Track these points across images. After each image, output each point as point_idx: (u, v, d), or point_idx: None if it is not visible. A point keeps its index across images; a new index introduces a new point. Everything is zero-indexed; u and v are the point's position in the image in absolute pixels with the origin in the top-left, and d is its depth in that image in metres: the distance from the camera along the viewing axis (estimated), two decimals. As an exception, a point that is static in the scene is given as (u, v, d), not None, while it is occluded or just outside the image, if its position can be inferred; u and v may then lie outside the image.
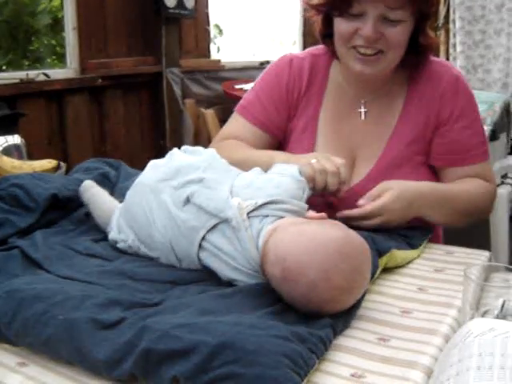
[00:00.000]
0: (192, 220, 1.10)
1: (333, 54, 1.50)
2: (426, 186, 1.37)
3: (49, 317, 0.89)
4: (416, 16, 1.37)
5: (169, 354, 0.78)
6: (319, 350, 0.84)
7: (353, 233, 0.99)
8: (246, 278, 1.05)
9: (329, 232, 0.98)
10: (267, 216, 1.06)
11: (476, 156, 1.45)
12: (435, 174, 1.49)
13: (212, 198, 1.10)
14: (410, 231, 1.31)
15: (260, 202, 1.07)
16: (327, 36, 1.47)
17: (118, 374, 0.81)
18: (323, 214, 1.07)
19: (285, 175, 1.16)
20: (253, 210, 1.06)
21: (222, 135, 1.60)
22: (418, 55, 1.45)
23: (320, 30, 1.49)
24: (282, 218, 1.06)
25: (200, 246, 1.08)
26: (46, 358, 0.89)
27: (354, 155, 1.48)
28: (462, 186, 1.42)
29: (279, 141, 1.58)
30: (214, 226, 1.08)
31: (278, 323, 0.86)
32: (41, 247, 1.17)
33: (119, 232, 1.22)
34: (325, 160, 1.25)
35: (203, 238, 1.08)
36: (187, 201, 1.12)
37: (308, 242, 0.95)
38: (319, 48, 1.57)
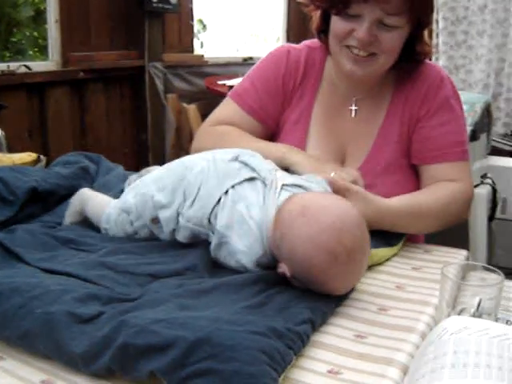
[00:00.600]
0: (232, 170, 1.16)
1: (327, 50, 1.50)
2: (398, 203, 1.33)
3: (27, 310, 0.89)
4: (413, 23, 1.38)
5: (146, 348, 0.78)
6: (297, 345, 0.84)
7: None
8: (245, 234, 1.08)
9: (351, 207, 1.05)
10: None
11: (451, 154, 1.43)
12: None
13: (259, 163, 1.19)
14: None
15: (297, 182, 1.15)
16: (323, 32, 1.48)
17: (95, 368, 0.81)
18: None
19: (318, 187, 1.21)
20: (288, 185, 1.13)
21: (213, 119, 1.59)
22: (411, 62, 1.47)
23: (317, 25, 1.49)
24: None
25: (226, 191, 1.13)
26: (24, 352, 0.88)
27: (344, 151, 1.50)
28: (435, 196, 1.39)
29: (272, 131, 1.58)
30: (250, 179, 1.14)
31: (256, 319, 0.86)
32: (20, 240, 1.17)
33: (128, 191, 1.25)
34: (344, 173, 1.30)
35: (233, 187, 1.13)
36: (235, 159, 1.19)
37: (332, 201, 1.06)
38: (315, 41, 1.57)
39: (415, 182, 1.47)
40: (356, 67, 1.39)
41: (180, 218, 1.16)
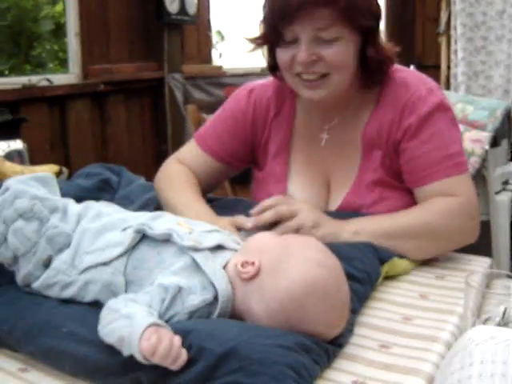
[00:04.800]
0: None
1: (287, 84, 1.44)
2: (371, 225, 1.26)
3: (51, 327, 0.89)
4: (358, 30, 1.30)
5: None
6: (322, 360, 0.84)
7: (330, 260, 0.94)
8: None
9: (315, 275, 0.89)
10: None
11: (440, 172, 1.31)
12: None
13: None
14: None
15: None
16: (275, 68, 1.43)
17: (122, 381, 0.81)
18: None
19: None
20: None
21: (178, 155, 1.58)
22: (371, 71, 1.37)
23: (268, 63, 1.46)
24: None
25: None
26: (48, 364, 0.88)
27: (329, 181, 1.45)
28: (423, 212, 1.29)
29: (238, 167, 1.59)
30: None
31: (284, 331, 0.85)
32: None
33: None
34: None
35: None
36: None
37: (306, 295, 0.88)
38: None
39: (410, 201, 1.37)
40: (312, 92, 1.34)
41: None
